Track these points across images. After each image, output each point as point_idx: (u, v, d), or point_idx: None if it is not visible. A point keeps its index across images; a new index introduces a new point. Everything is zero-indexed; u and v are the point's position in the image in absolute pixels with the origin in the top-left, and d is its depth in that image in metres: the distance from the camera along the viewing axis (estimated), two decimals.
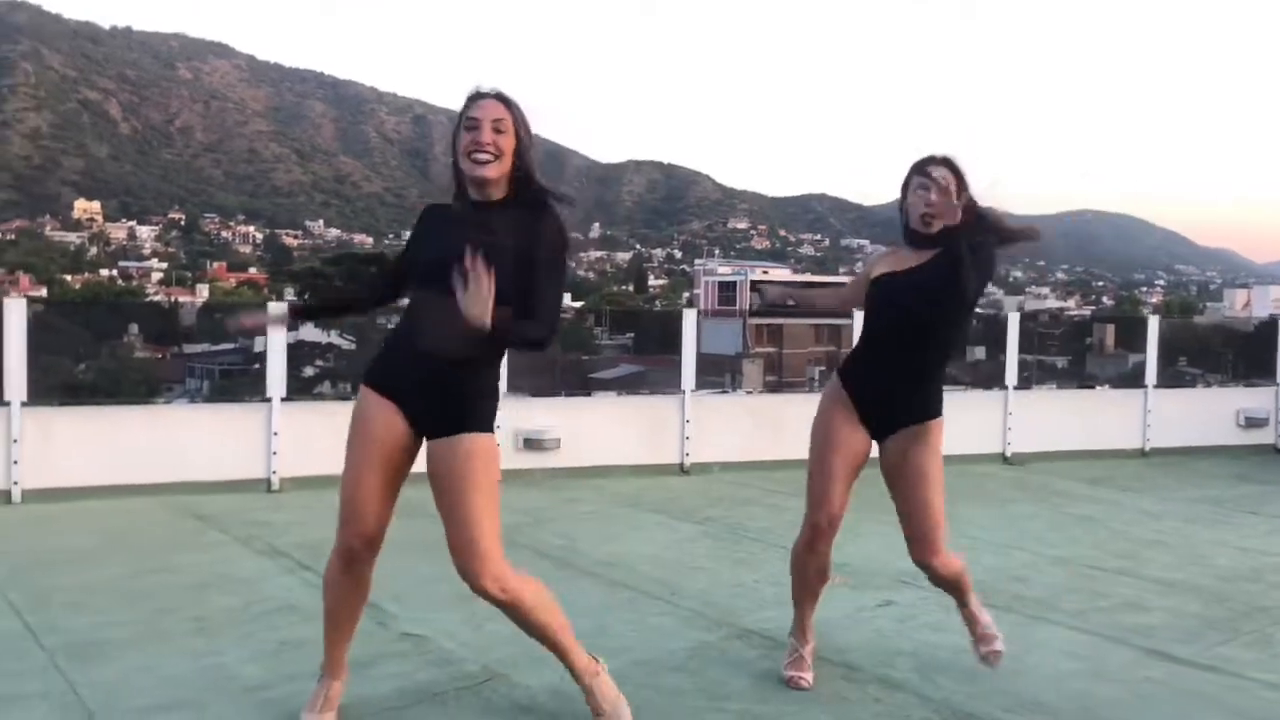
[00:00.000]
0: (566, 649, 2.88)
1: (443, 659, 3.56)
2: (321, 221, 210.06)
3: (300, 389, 7.85)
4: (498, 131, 2.70)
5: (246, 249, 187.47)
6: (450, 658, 3.57)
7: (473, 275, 2.47)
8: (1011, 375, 8.71)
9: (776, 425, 7.94)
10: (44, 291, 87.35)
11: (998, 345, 8.91)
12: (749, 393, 9.62)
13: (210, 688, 3.26)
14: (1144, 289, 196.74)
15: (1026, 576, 4.85)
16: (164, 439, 6.70)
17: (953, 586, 3.40)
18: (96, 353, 9.59)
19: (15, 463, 6.29)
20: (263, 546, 5.26)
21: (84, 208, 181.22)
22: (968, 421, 7.90)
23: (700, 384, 8.05)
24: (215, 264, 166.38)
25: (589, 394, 8.95)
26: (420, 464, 2.79)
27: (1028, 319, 10.58)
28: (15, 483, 6.29)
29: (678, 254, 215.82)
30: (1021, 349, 8.88)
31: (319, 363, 10.76)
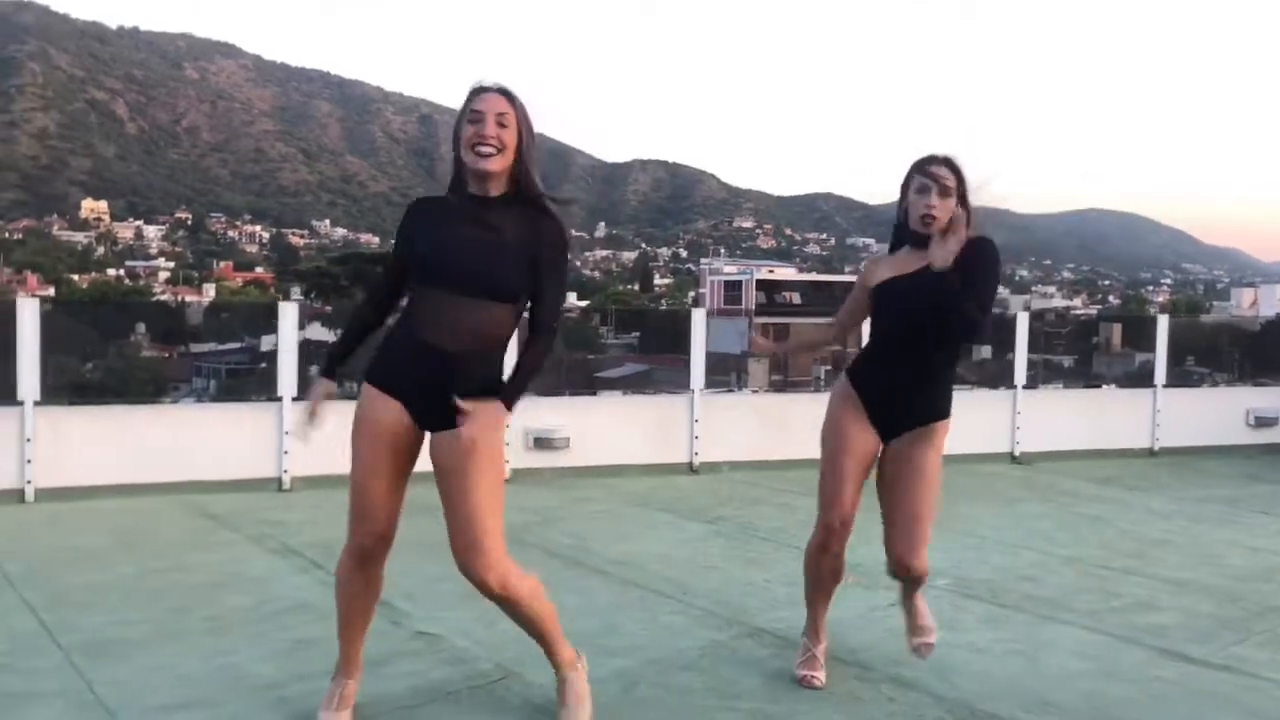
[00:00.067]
0: (554, 640, 2.93)
1: (456, 657, 3.57)
2: (328, 221, 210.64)
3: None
4: (501, 125, 2.70)
5: (253, 248, 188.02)
6: (464, 656, 3.58)
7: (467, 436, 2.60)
8: (1020, 374, 8.68)
9: (783, 424, 7.95)
10: (52, 291, 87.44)
11: (1005, 344, 8.89)
12: (755, 392, 9.61)
13: (225, 687, 3.28)
14: (1150, 288, 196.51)
15: (1036, 576, 4.85)
16: (176, 438, 6.72)
17: (917, 583, 3.38)
18: (104, 352, 9.60)
19: (29, 462, 6.31)
20: (275, 545, 5.28)
21: (91, 207, 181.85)
22: (975, 421, 7.90)
23: (706, 383, 8.06)
24: (222, 263, 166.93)
25: (594, 393, 8.95)
26: (423, 464, 2.79)
27: (1034, 318, 10.55)
28: (29, 481, 6.31)
29: (683, 253, 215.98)
30: (1029, 348, 8.85)
31: None
